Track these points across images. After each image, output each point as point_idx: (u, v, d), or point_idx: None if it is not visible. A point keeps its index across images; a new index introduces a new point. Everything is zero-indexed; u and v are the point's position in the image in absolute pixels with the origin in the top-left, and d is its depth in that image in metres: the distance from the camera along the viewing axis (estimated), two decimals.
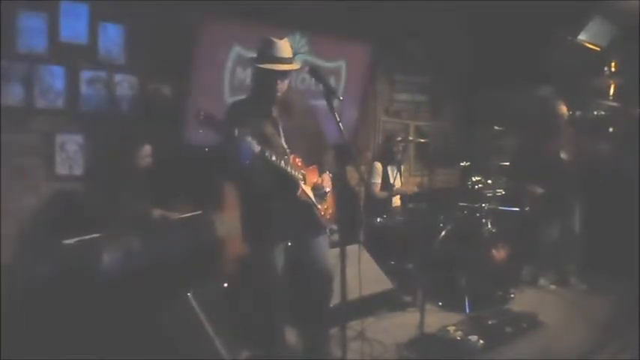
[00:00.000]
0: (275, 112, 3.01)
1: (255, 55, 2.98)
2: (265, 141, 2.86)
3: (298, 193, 2.97)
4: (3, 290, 3.31)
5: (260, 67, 2.90)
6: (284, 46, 2.93)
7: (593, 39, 6.03)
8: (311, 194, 3.05)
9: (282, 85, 2.94)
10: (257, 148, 2.76)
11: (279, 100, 2.99)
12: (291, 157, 2.98)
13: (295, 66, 3.05)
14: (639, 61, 5.60)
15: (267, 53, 2.89)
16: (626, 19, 5.74)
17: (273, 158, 2.85)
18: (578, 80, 6.17)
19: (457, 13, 5.89)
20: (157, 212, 3.66)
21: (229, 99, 4.32)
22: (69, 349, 2.94)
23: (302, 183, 3.00)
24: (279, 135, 3.00)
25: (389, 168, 5.15)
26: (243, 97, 3.23)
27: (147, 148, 3.67)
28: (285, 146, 3.00)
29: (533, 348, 3.68)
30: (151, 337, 3.07)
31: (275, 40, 2.91)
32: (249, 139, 2.73)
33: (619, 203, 5.05)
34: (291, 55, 2.96)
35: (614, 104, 6.12)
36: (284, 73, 2.92)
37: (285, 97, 3.01)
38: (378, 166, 5.07)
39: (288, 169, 2.93)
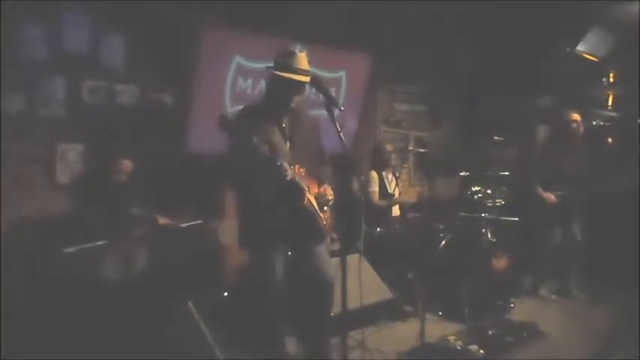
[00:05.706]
0: (285, 122, 3.05)
1: (272, 63, 2.99)
2: (274, 149, 2.88)
3: (305, 202, 2.98)
4: (3, 295, 3.31)
5: (279, 76, 2.92)
6: (303, 59, 2.97)
7: (592, 50, 6.07)
8: (315, 203, 3.06)
9: (298, 97, 2.98)
10: (270, 154, 2.79)
11: (290, 110, 3.03)
12: (297, 166, 3.00)
13: (308, 79, 3.03)
14: (639, 71, 5.62)
15: (288, 63, 2.92)
16: (625, 30, 5.77)
17: (285, 166, 2.86)
18: (577, 90, 6.20)
19: (457, 22, 5.92)
20: (158, 221, 3.66)
21: (230, 108, 4.34)
22: (69, 355, 2.94)
23: (307, 192, 3.01)
24: (286, 144, 3.03)
25: (387, 177, 5.16)
26: (253, 103, 3.22)
27: (128, 162, 3.66)
28: (291, 156, 3.02)
29: (534, 358, 3.67)
30: (151, 345, 3.06)
31: (296, 51, 2.96)
32: (262, 145, 2.75)
33: (620, 212, 5.06)
34: (308, 69, 2.99)
35: (613, 114, 6.14)
36: (301, 85, 2.95)
37: (296, 108, 3.04)
38: (374, 174, 5.10)
39: (296, 177, 2.94)
